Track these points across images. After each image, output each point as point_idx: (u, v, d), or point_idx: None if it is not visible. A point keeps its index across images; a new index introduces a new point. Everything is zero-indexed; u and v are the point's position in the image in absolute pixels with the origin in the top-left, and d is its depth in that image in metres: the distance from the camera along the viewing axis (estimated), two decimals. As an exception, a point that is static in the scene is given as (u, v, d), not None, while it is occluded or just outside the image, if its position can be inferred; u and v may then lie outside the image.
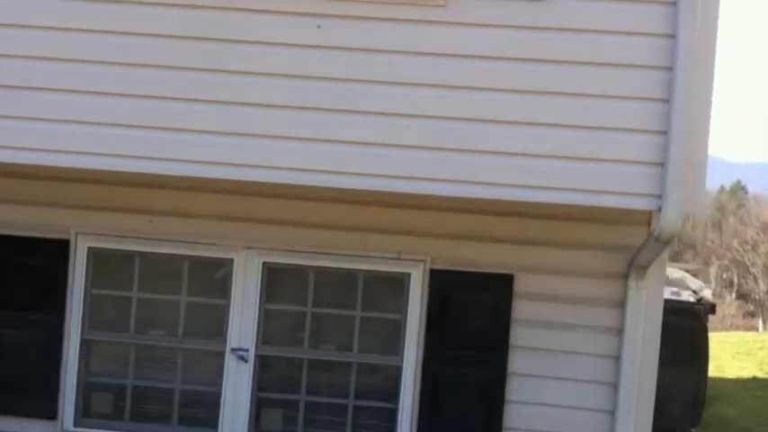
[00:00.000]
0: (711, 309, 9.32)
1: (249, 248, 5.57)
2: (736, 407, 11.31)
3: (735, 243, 43.47)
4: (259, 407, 5.72)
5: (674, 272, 10.04)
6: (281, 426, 5.78)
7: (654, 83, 4.61)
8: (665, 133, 4.56)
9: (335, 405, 5.73)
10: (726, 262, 44.39)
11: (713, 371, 14.23)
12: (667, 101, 4.54)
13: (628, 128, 4.64)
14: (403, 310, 5.56)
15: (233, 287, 5.61)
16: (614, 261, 5.35)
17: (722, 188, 68.40)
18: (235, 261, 5.59)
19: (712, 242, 45.94)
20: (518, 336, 5.51)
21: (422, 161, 4.74)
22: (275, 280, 5.66)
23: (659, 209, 4.59)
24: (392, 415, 5.63)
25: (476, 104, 4.69)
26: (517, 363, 5.52)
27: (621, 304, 5.37)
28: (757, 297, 40.75)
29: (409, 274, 5.53)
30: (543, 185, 4.70)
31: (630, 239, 5.23)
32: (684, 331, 7.91)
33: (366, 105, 4.75)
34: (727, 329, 27.93)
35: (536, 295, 5.48)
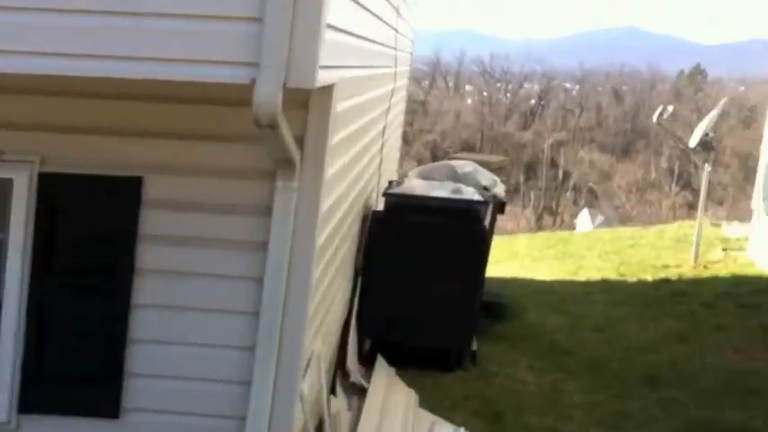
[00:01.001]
0: (501, 208, 7.86)
1: None
2: (563, 315, 9.84)
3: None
4: None
5: (464, 165, 8.31)
6: None
7: None
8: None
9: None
10: (675, 151, 43.48)
11: (567, 273, 12.67)
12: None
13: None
14: (5, 226, 4.40)
15: None
16: (259, 156, 4.19)
17: (681, 72, 66.08)
18: None
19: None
20: (147, 256, 4.34)
21: None
22: None
23: (253, 81, 3.44)
24: (-6, 362, 4.39)
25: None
26: (144, 291, 4.34)
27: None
28: (696, 188, 39.42)
29: (11, 180, 4.39)
30: (91, 53, 3.52)
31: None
32: (459, 236, 6.54)
33: None
34: (664, 220, 26.50)
35: (170, 203, 4.33)
